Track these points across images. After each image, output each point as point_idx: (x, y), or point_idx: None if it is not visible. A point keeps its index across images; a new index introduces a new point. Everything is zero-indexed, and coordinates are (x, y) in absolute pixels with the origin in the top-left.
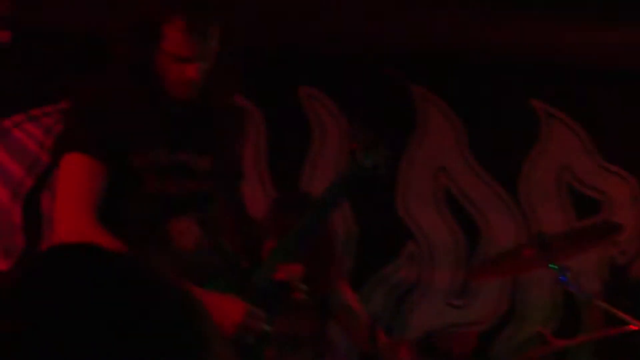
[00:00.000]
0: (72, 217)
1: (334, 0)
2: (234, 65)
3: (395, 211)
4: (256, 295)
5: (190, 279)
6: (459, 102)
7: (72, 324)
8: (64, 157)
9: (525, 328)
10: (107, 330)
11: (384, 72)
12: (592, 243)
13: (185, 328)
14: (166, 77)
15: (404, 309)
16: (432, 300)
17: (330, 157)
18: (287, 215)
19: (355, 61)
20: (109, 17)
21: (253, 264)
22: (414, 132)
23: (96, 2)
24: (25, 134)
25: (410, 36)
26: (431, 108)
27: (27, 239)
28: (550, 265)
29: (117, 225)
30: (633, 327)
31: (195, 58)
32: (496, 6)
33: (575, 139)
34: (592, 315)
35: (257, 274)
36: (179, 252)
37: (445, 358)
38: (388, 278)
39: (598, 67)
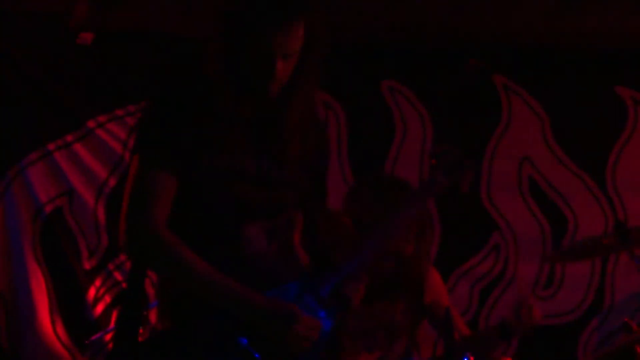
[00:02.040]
0: (139, 219)
1: None
2: (317, 66)
3: (479, 202)
4: (317, 304)
5: (255, 284)
6: (543, 91)
7: None
8: (137, 155)
9: (612, 319)
10: None
11: (467, 64)
12: None
13: None
14: (248, 73)
15: (490, 302)
16: (517, 292)
17: (413, 150)
18: (365, 198)
19: (437, 54)
20: (190, 16)
21: (319, 273)
22: (498, 122)
23: (175, 3)
24: (108, 134)
25: (493, 27)
26: (515, 98)
27: (111, 238)
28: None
29: (188, 227)
30: None
31: (279, 54)
32: None
33: None
34: None
35: (323, 285)
36: (247, 258)
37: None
38: (473, 270)
39: None
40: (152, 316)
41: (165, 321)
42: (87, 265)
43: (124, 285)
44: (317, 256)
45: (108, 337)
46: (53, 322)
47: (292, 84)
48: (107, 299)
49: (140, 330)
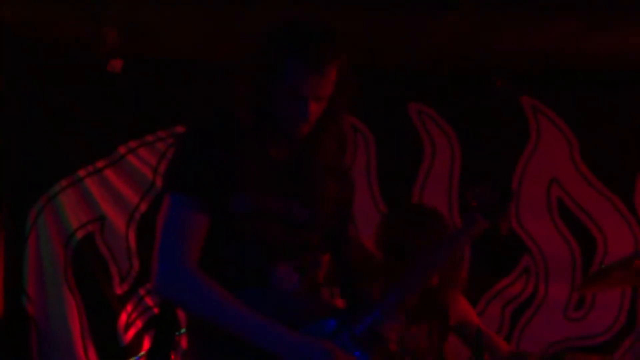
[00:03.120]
0: (170, 259)
1: (440, 18)
2: (345, 107)
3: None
4: (351, 341)
5: (288, 322)
6: (571, 112)
7: None
8: (168, 194)
9: None
10: None
11: (495, 86)
12: None
13: None
14: (280, 114)
15: (521, 323)
16: (549, 314)
17: (441, 172)
18: (398, 230)
19: (465, 75)
20: (218, 42)
21: (354, 311)
22: (526, 144)
23: (204, 30)
24: (139, 159)
25: (521, 49)
26: (543, 119)
27: (142, 264)
28: None
29: (217, 267)
30: None
31: (311, 96)
32: (605, 14)
33: None
34: None
35: (357, 323)
36: (279, 296)
37: None
38: (504, 292)
39: None
40: (184, 341)
41: (194, 347)
42: (119, 291)
43: (155, 310)
44: (351, 294)
45: None
46: (85, 347)
47: (322, 125)
48: (139, 324)
49: (172, 356)
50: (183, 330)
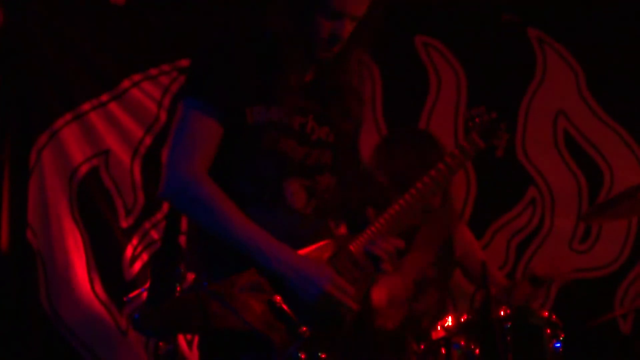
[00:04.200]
0: (181, 164)
1: None
2: (373, 33)
3: (515, 156)
4: (347, 264)
5: (290, 240)
6: (577, 43)
7: None
8: (184, 100)
9: None
10: None
11: (501, 18)
12: None
13: None
14: (313, 34)
15: (526, 256)
16: (555, 246)
17: (447, 105)
18: (398, 150)
19: (471, 8)
20: None
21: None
22: (532, 76)
23: None
24: (143, 93)
25: None
26: (549, 51)
27: (147, 197)
28: None
29: (230, 179)
30: None
31: (348, 15)
32: None
33: None
34: None
35: (357, 245)
36: (289, 211)
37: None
38: (509, 224)
39: None
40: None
41: (198, 274)
42: (124, 224)
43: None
44: (352, 217)
45: (145, 294)
46: (91, 281)
47: (348, 48)
48: (144, 257)
49: (178, 287)
50: None
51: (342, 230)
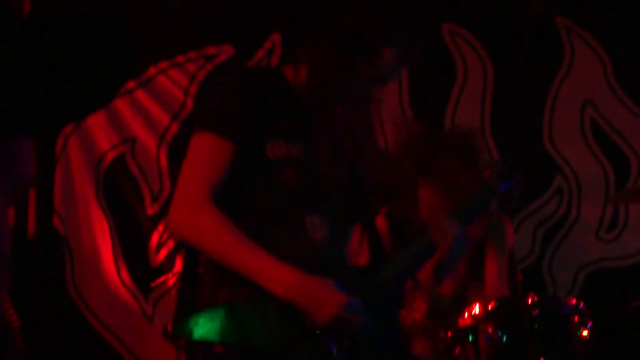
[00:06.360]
0: (189, 194)
1: None
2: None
3: (542, 145)
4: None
5: (316, 269)
6: (605, 33)
7: None
8: (199, 132)
9: None
10: None
11: (530, 6)
12: None
13: None
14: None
15: (553, 245)
16: (581, 235)
17: (474, 93)
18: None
19: None
20: None
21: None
22: (560, 65)
23: None
24: (170, 80)
25: None
26: (577, 40)
27: (173, 184)
28: None
29: (248, 212)
30: None
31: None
32: None
33: None
34: None
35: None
36: (310, 241)
37: None
38: (536, 213)
39: None
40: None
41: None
42: (150, 211)
43: None
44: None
45: (171, 281)
46: (117, 268)
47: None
48: (170, 244)
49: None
50: None
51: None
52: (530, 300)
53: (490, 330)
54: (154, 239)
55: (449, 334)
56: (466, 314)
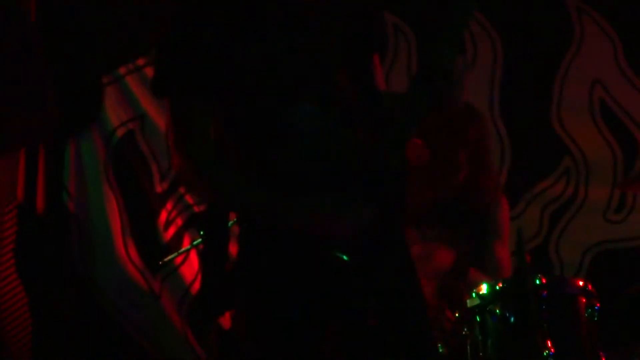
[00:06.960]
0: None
1: None
2: None
3: (550, 126)
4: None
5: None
6: (616, 13)
7: None
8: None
9: None
10: None
11: None
12: None
13: None
14: None
15: (560, 226)
16: (589, 216)
17: (483, 73)
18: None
19: None
20: None
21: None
22: (569, 45)
23: None
24: None
25: None
26: (587, 20)
27: None
28: None
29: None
30: None
31: None
32: None
33: None
34: None
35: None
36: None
37: None
38: (543, 194)
39: None
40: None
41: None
42: (159, 189)
43: (195, 208)
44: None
45: (179, 259)
46: (125, 245)
47: None
48: (179, 222)
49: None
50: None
51: None
52: (538, 281)
53: (497, 310)
54: (163, 216)
55: (456, 314)
56: (474, 294)
